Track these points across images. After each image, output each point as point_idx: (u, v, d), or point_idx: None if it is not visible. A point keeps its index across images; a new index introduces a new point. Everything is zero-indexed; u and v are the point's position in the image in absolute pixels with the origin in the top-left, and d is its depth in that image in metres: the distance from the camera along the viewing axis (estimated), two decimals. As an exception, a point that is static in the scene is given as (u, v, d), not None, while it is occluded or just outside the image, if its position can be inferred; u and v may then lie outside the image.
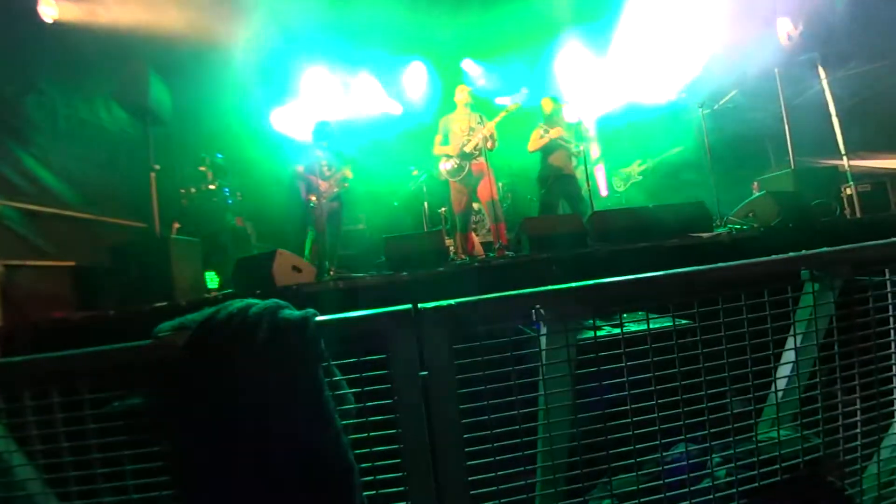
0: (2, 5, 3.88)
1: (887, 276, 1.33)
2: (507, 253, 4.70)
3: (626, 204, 7.06)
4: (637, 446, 1.13)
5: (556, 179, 5.46)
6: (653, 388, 1.14)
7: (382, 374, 1.03)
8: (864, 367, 1.31)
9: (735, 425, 1.21)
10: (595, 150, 7.65)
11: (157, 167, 4.29)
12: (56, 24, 4.28)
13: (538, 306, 1.12)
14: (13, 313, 3.27)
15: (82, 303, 3.79)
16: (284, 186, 5.65)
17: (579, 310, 1.17)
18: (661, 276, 1.18)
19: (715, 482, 1.19)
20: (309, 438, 0.93)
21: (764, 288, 1.25)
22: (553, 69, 7.51)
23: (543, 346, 1.14)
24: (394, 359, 1.02)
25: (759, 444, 1.24)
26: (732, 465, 1.19)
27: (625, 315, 1.26)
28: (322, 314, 1.03)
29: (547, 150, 5.49)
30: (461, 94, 5.22)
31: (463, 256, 5.34)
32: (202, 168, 5.66)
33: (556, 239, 3.77)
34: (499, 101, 7.29)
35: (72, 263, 3.94)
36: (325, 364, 1.00)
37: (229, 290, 4.05)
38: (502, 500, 1.06)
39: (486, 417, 1.06)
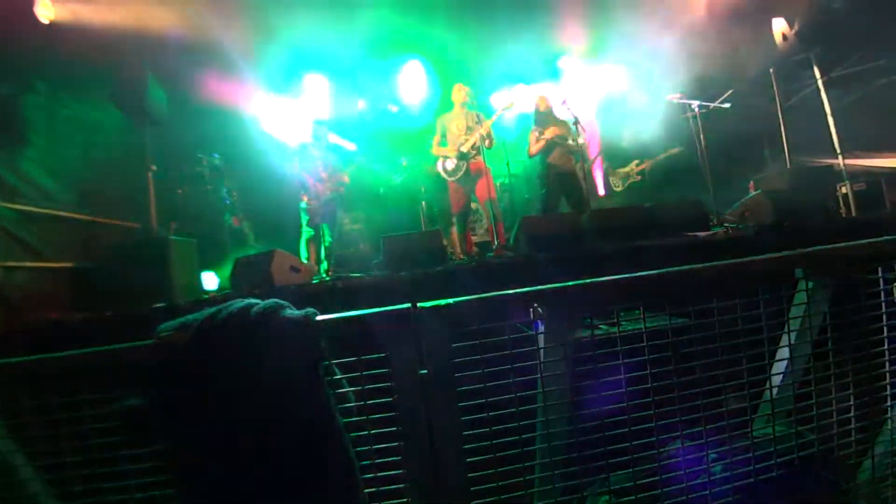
0: (-3, 6, 3.87)
1: (880, 275, 1.34)
2: (505, 252, 4.72)
3: (623, 203, 7.08)
4: (634, 442, 1.14)
5: (556, 177, 5.48)
6: (649, 385, 1.16)
7: (382, 373, 1.03)
8: (858, 364, 1.33)
9: (731, 421, 1.22)
10: (593, 149, 7.66)
11: (154, 168, 4.28)
12: (52, 24, 4.27)
13: (536, 305, 1.13)
14: (10, 315, 3.26)
15: (80, 304, 3.77)
16: (282, 186, 5.64)
17: (577, 308, 1.18)
18: (657, 274, 1.19)
19: (711, 478, 1.20)
20: (310, 436, 0.94)
21: (759, 286, 1.27)
22: (546, 66, 7.53)
23: (541, 344, 1.15)
24: (393, 357, 1.03)
25: (755, 440, 1.26)
26: (728, 460, 1.20)
27: (622, 314, 1.27)
28: (321, 314, 1.04)
29: (546, 149, 5.51)
30: (458, 94, 5.22)
31: (461, 256, 5.35)
32: (199, 168, 5.66)
33: (553, 238, 3.78)
34: (493, 98, 7.30)
35: (69, 264, 3.92)
36: (325, 363, 1.01)
37: (227, 290, 4.04)
38: (501, 496, 1.07)
39: (486, 414, 1.07)
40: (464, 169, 5.12)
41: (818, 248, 1.29)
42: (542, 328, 1.18)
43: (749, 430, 1.27)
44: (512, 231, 4.40)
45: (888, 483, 1.36)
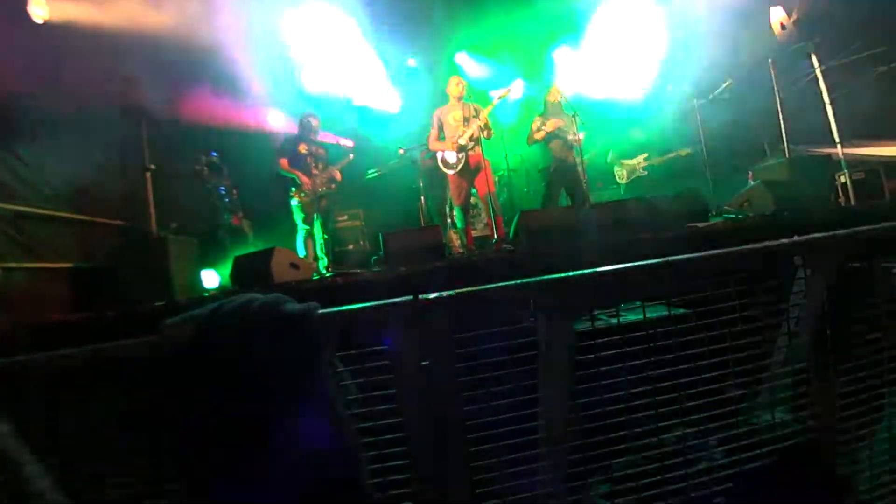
0: (-10, 6, 3.85)
1: (878, 262, 1.35)
2: (504, 246, 4.72)
3: (623, 196, 7.06)
4: (635, 430, 1.15)
5: (557, 170, 5.49)
6: (650, 373, 1.16)
7: (385, 365, 1.04)
8: (857, 351, 1.34)
9: (731, 408, 1.23)
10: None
11: (153, 167, 4.27)
12: (47, 24, 4.24)
13: (536, 296, 1.14)
14: (10, 316, 3.27)
15: (80, 304, 3.78)
16: (278, 183, 5.60)
17: (577, 299, 1.19)
18: (657, 263, 1.20)
19: (711, 464, 1.22)
20: (314, 428, 0.95)
21: (758, 274, 1.27)
22: (549, 60, 7.50)
23: (542, 334, 1.16)
24: (395, 349, 1.03)
25: (755, 427, 1.27)
26: (729, 447, 1.22)
27: (622, 304, 1.28)
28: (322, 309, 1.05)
29: (546, 141, 5.52)
30: (454, 86, 5.20)
31: (461, 251, 5.36)
32: (198, 167, 5.64)
33: (553, 231, 3.79)
34: (493, 93, 7.29)
35: (69, 265, 3.93)
36: (328, 355, 1.02)
37: (228, 288, 4.05)
38: (504, 485, 1.08)
39: (487, 405, 1.07)
40: (463, 161, 5.11)
41: (817, 235, 1.29)
42: (542, 319, 1.18)
43: (749, 417, 1.28)
44: (511, 225, 4.40)
45: (886, 469, 1.37)
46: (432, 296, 1.06)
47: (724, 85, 5.90)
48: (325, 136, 5.83)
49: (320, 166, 5.29)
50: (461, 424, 1.05)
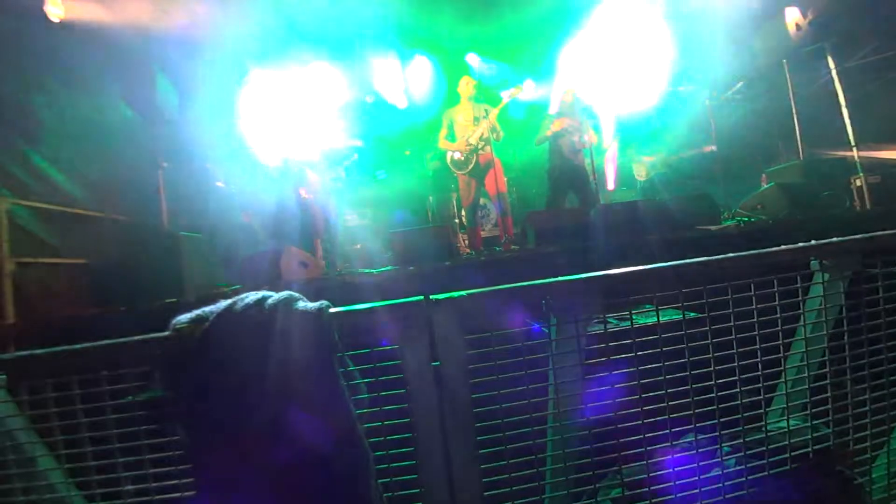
0: (8, 5, 3.91)
1: (897, 267, 1.32)
2: (513, 246, 4.71)
3: (634, 197, 6.99)
4: (647, 435, 1.14)
5: (562, 172, 5.45)
6: (663, 377, 1.15)
7: (395, 365, 1.04)
8: (875, 357, 1.31)
9: (745, 414, 1.21)
10: (611, 144, 7.52)
11: (166, 164, 4.32)
12: (63, 23, 4.31)
13: (548, 298, 1.13)
14: (26, 311, 3.32)
15: (94, 300, 3.83)
16: (286, 181, 5.61)
17: (588, 301, 1.18)
18: (668, 266, 1.19)
19: (724, 471, 1.20)
20: (324, 427, 0.95)
21: (773, 278, 1.25)
22: (560, 61, 7.45)
23: (553, 337, 1.15)
24: (406, 349, 1.03)
25: (769, 434, 1.25)
26: (742, 454, 1.20)
27: (634, 307, 1.26)
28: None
29: (554, 142, 5.49)
30: (465, 86, 5.20)
31: (469, 250, 5.35)
32: (209, 165, 5.69)
33: (562, 232, 3.77)
34: (504, 94, 7.28)
35: (83, 261, 3.98)
36: (338, 354, 1.02)
37: (238, 286, 4.08)
38: (514, 488, 1.07)
39: (498, 406, 1.07)
40: (473, 161, 5.11)
41: (834, 239, 1.27)
42: (553, 321, 1.17)
43: (763, 423, 1.26)
44: (520, 225, 4.39)
45: (904, 477, 1.34)
46: (443, 296, 1.05)
47: (737, 85, 5.83)
48: (336, 142, 5.83)
49: (326, 164, 5.31)
50: (471, 426, 1.04)
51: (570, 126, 5.37)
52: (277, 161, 5.40)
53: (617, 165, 7.52)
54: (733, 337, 1.22)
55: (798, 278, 1.30)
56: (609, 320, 1.28)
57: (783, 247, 1.24)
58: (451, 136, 5.20)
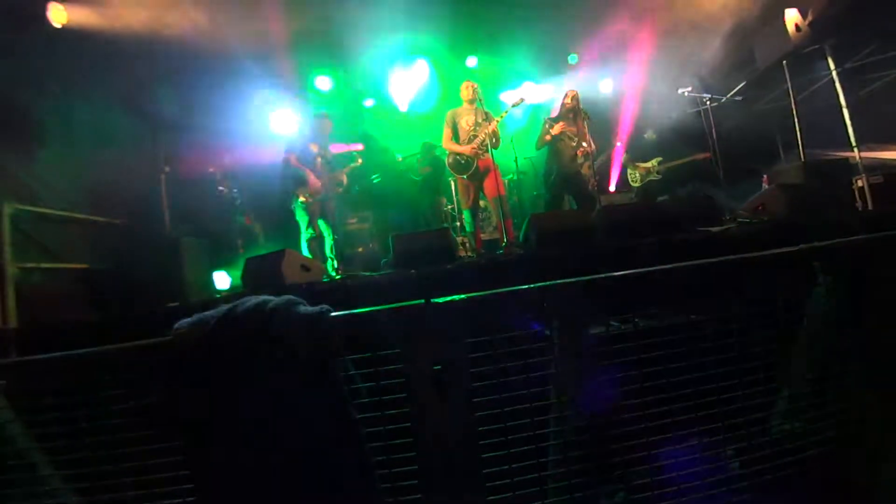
0: (10, 11, 3.93)
1: (900, 267, 1.31)
2: (514, 250, 4.70)
3: (635, 199, 6.97)
4: (650, 439, 1.13)
5: (560, 175, 5.44)
6: (665, 381, 1.15)
7: (396, 368, 1.04)
8: (878, 358, 1.30)
9: (748, 417, 1.21)
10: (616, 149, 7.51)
11: (168, 169, 4.33)
12: (65, 28, 4.33)
13: (549, 301, 1.13)
14: (28, 315, 3.32)
15: (95, 304, 3.83)
16: (287, 183, 5.59)
17: (590, 304, 1.17)
18: (671, 268, 1.18)
19: (728, 474, 1.19)
20: (325, 430, 0.95)
21: (776, 280, 1.25)
22: (563, 65, 7.48)
23: (555, 340, 1.15)
24: (407, 353, 1.03)
25: (773, 436, 1.24)
26: (746, 457, 1.19)
27: (636, 310, 1.26)
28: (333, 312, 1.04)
29: (552, 147, 5.48)
30: (467, 90, 5.20)
31: (470, 254, 5.34)
32: (211, 168, 5.71)
33: (563, 234, 3.75)
34: (505, 98, 7.27)
35: (84, 266, 3.99)
36: (339, 358, 1.02)
37: (240, 289, 4.08)
38: (516, 492, 1.06)
39: (500, 410, 1.06)
40: (473, 166, 5.11)
41: (835, 241, 1.27)
42: (555, 324, 1.17)
43: (766, 426, 1.25)
44: (521, 228, 4.38)
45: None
46: (444, 299, 1.05)
47: (737, 87, 5.83)
48: (337, 147, 5.85)
49: (328, 168, 5.29)
50: (473, 429, 1.04)
51: (568, 131, 5.37)
52: (280, 164, 5.40)
53: (621, 166, 7.51)
54: (734, 340, 1.21)
55: (800, 280, 1.30)
56: (611, 323, 1.28)
57: (785, 249, 1.24)
58: (456, 138, 5.20)
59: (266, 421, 0.95)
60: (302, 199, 5.18)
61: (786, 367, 1.34)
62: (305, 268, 3.67)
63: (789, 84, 5.35)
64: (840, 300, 1.33)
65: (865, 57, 5.62)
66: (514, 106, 5.20)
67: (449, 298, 1.06)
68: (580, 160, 5.47)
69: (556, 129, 5.35)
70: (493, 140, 5.05)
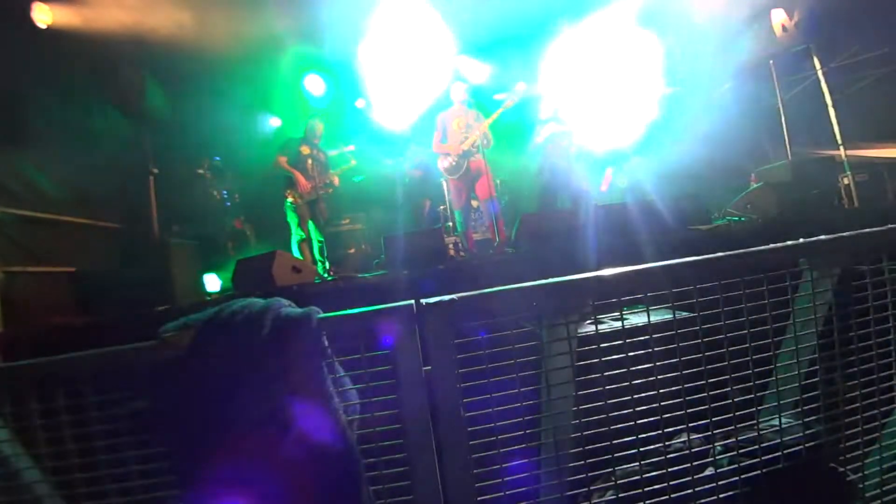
0: (-5, 12, 3.87)
1: (884, 264, 1.34)
2: (506, 249, 4.71)
3: (624, 199, 7.01)
4: (640, 436, 1.13)
5: (552, 175, 5.48)
6: (655, 378, 1.15)
7: (385, 370, 1.03)
8: (864, 354, 1.32)
9: (737, 414, 1.22)
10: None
11: (156, 171, 4.29)
12: (50, 29, 4.27)
13: (539, 300, 1.13)
14: (14, 319, 3.28)
15: (83, 308, 3.79)
16: (277, 184, 5.56)
17: (580, 303, 1.18)
18: (660, 266, 1.19)
19: (717, 470, 1.20)
20: (314, 434, 0.94)
21: (763, 277, 1.26)
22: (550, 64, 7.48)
23: (545, 339, 1.15)
24: (396, 354, 1.02)
25: (761, 432, 1.25)
26: (735, 453, 1.20)
27: (624, 308, 1.26)
28: (323, 313, 1.04)
29: (544, 147, 5.51)
30: (457, 92, 5.21)
31: (462, 254, 5.35)
32: (200, 171, 5.66)
33: (554, 234, 3.77)
34: (498, 97, 7.29)
35: (71, 269, 3.94)
36: (328, 360, 1.01)
37: (230, 292, 4.05)
38: (507, 492, 1.06)
39: (490, 410, 1.06)
40: (464, 167, 5.12)
41: (822, 238, 1.28)
42: (545, 323, 1.17)
43: (755, 421, 1.26)
44: (513, 228, 4.39)
45: (895, 474, 1.35)
46: (434, 300, 1.05)
47: (724, 87, 5.89)
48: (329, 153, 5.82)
49: (319, 170, 5.28)
50: (463, 430, 1.03)
51: (558, 131, 5.41)
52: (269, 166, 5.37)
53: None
54: (724, 336, 1.22)
55: (787, 277, 1.31)
56: (601, 320, 1.28)
57: (771, 246, 1.25)
58: (446, 141, 5.20)
59: (253, 425, 0.94)
60: (291, 199, 5.16)
61: (773, 363, 1.35)
62: (296, 269, 3.65)
63: (776, 83, 5.41)
64: (826, 296, 1.34)
65: (852, 56, 5.69)
66: (506, 107, 5.22)
67: (439, 298, 1.05)
68: (572, 160, 5.51)
69: (547, 131, 5.39)
70: (485, 141, 5.06)
